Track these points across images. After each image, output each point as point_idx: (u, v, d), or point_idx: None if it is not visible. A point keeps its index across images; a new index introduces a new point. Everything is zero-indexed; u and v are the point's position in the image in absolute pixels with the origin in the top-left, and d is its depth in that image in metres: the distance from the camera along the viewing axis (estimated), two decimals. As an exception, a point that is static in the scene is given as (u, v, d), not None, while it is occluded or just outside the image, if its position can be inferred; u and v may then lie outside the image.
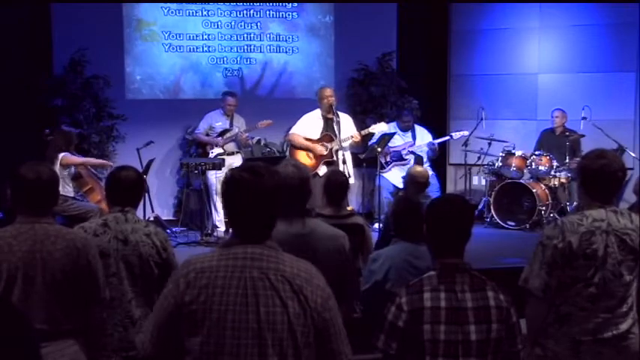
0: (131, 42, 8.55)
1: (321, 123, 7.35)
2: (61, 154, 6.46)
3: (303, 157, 7.19)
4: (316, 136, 7.34)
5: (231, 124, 7.88)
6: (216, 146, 7.76)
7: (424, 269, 2.67)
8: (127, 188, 3.38)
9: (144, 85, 8.65)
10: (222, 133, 7.82)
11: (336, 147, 7.21)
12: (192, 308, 2.04)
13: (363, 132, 7.45)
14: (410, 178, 5.29)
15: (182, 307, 2.05)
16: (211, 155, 7.72)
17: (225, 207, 2.20)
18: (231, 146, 7.86)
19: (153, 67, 8.65)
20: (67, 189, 6.50)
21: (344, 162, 7.20)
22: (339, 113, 7.31)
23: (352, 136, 7.30)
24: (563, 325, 2.82)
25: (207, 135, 7.88)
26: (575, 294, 2.79)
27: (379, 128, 7.59)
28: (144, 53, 8.61)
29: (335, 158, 7.23)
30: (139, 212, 6.96)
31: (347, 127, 7.31)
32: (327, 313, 2.11)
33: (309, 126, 7.37)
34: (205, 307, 2.03)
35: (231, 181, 2.16)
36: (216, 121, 7.89)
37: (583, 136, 8.25)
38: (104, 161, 7.14)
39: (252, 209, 2.12)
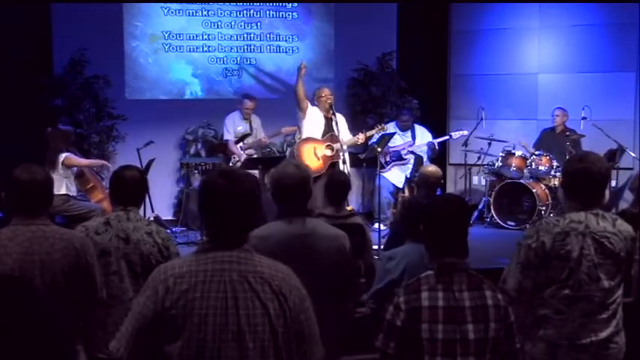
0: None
1: (323, 121, 7.35)
2: (64, 155, 6.43)
3: (311, 158, 7.17)
4: (319, 134, 7.33)
5: (251, 128, 7.85)
6: (242, 157, 7.63)
7: None
8: (130, 187, 3.39)
9: (144, 85, 8.64)
10: (242, 137, 7.77)
11: (338, 147, 7.24)
12: (172, 313, 2.04)
13: (367, 134, 7.49)
14: (422, 178, 5.25)
15: (162, 312, 2.05)
16: (233, 159, 7.67)
17: (201, 212, 2.20)
18: (251, 150, 7.83)
19: (153, 68, 8.65)
20: (71, 189, 6.49)
21: (344, 162, 7.21)
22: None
23: (357, 138, 7.34)
24: (540, 328, 2.82)
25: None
26: (550, 296, 2.79)
27: (383, 130, 7.65)
28: (145, 55, 8.61)
29: (340, 159, 7.25)
30: (140, 212, 6.99)
31: (342, 127, 7.35)
32: (303, 314, 2.14)
33: (313, 122, 7.35)
34: (185, 312, 2.04)
35: (207, 187, 2.17)
36: (237, 125, 7.85)
37: (583, 136, 8.26)
38: (104, 162, 7.09)
39: (229, 215, 2.12)
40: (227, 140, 7.85)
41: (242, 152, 7.71)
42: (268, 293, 2.08)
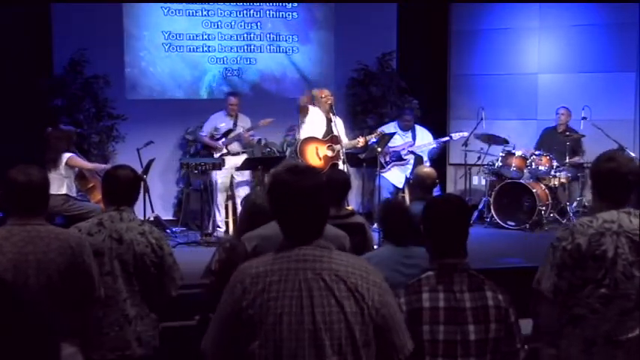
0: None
1: (324, 121, 7.37)
2: (67, 155, 6.44)
3: (313, 158, 7.18)
4: (320, 134, 7.35)
5: (235, 124, 7.85)
6: (218, 150, 7.74)
7: (416, 271, 2.66)
8: (123, 187, 3.37)
9: (144, 85, 8.65)
10: (226, 134, 7.80)
11: (339, 148, 7.27)
12: (249, 313, 2.05)
13: (367, 137, 7.52)
14: (417, 179, 5.25)
15: (240, 312, 2.06)
16: (216, 156, 7.70)
17: (272, 210, 2.19)
18: (235, 146, 7.84)
19: (153, 68, 8.65)
20: (71, 189, 6.49)
21: (344, 162, 7.23)
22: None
23: (358, 141, 7.36)
24: (576, 327, 2.82)
25: (212, 136, 7.86)
26: (586, 295, 2.79)
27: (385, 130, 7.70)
28: (145, 55, 8.61)
29: (341, 160, 7.27)
30: (140, 212, 7.00)
31: (340, 129, 7.38)
32: (385, 308, 2.11)
33: (315, 121, 7.36)
34: (262, 312, 2.04)
35: (275, 184, 2.16)
36: (220, 122, 7.87)
37: (583, 135, 8.27)
38: (107, 166, 7.09)
39: (299, 210, 2.12)
40: (201, 135, 7.93)
41: (218, 142, 7.74)
42: (343, 291, 2.06)
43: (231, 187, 7.82)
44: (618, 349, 2.78)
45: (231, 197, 7.84)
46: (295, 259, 2.09)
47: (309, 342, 2.03)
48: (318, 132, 7.35)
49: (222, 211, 7.78)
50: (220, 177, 7.64)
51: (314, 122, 7.35)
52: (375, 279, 2.13)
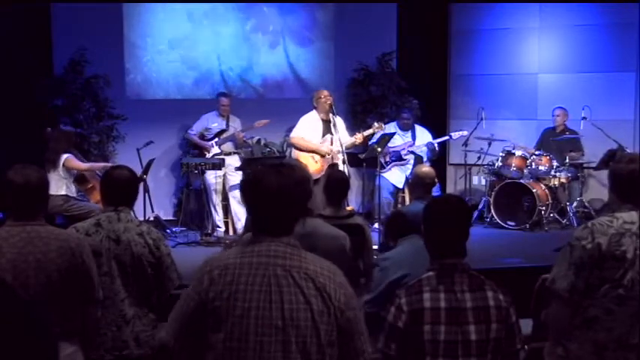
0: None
1: (320, 124, 7.37)
2: (65, 156, 6.43)
3: (309, 162, 7.18)
4: (318, 138, 7.36)
5: (227, 125, 7.88)
6: (208, 151, 7.75)
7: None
8: (121, 187, 3.38)
9: (144, 85, 8.64)
10: (218, 134, 7.82)
11: (337, 148, 7.26)
12: (215, 305, 2.05)
13: (365, 133, 7.50)
14: (417, 179, 5.25)
15: (206, 303, 2.07)
16: (208, 156, 7.72)
17: (246, 205, 2.20)
18: (228, 146, 7.86)
19: (153, 68, 8.65)
20: (71, 189, 6.49)
21: (344, 162, 7.22)
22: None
23: (355, 139, 7.36)
24: (589, 329, 2.81)
25: (202, 136, 7.88)
26: (602, 295, 2.78)
27: (380, 129, 7.65)
28: (145, 55, 8.61)
29: (338, 160, 7.27)
30: (140, 212, 6.99)
31: (341, 129, 7.37)
32: (351, 312, 2.12)
33: (310, 128, 7.38)
34: (229, 304, 2.04)
35: (252, 179, 2.18)
36: (212, 122, 7.90)
37: (582, 136, 8.27)
38: (106, 164, 7.09)
39: (273, 205, 2.12)
40: (190, 134, 7.94)
41: (208, 143, 7.77)
42: (312, 289, 2.07)
43: (224, 187, 7.83)
44: (631, 352, 2.77)
45: (226, 198, 7.85)
46: (266, 254, 2.10)
47: (276, 337, 2.03)
48: (316, 136, 7.35)
49: (220, 211, 7.78)
50: (213, 177, 7.65)
51: (309, 128, 7.36)
52: (341, 281, 2.15)
